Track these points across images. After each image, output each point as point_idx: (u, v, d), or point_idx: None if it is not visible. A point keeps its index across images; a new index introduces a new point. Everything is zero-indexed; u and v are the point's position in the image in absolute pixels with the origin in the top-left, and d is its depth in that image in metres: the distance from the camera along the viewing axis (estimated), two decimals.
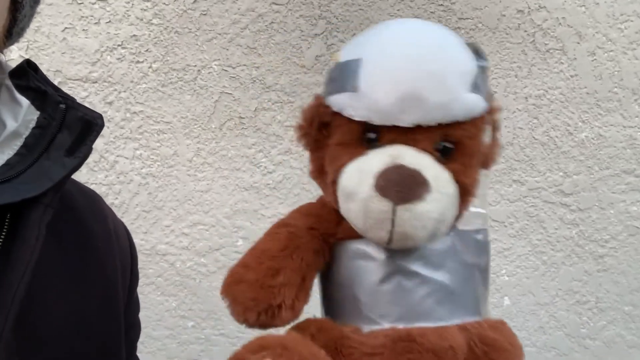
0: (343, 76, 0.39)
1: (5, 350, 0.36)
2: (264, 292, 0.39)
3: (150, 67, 1.00)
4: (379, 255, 0.39)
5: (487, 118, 0.40)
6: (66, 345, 0.41)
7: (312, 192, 1.05)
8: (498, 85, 1.08)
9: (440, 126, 0.37)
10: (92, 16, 0.98)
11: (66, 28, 0.98)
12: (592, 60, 1.09)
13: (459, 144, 0.39)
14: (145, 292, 0.99)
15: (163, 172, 1.00)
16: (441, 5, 1.07)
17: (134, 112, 1.00)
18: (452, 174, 0.38)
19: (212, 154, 1.02)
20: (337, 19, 1.05)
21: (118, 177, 0.99)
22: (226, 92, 1.02)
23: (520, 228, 1.10)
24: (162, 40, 1.00)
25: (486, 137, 0.41)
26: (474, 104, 0.38)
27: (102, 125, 0.43)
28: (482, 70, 0.39)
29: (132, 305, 0.52)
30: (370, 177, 0.37)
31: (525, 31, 1.08)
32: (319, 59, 1.05)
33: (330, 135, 0.41)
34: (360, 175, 0.38)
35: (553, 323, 1.11)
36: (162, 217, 1.00)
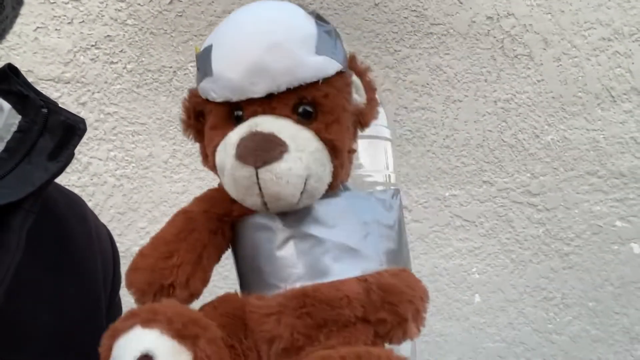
0: (201, 64, 0.42)
1: None
2: (156, 274, 0.41)
3: (124, 67, 0.99)
4: (274, 224, 0.42)
5: (347, 78, 0.42)
6: (48, 349, 0.41)
7: None
8: (469, 90, 1.11)
9: (294, 90, 0.39)
10: (65, 16, 0.97)
11: (38, 27, 0.96)
12: (558, 66, 1.13)
13: (317, 104, 0.40)
14: (120, 294, 0.98)
15: (138, 174, 1.00)
16: (414, 11, 1.09)
17: (108, 113, 0.99)
18: (315, 133, 0.40)
19: (188, 155, 1.01)
20: None
21: (92, 179, 0.98)
22: None
23: (490, 227, 1.13)
24: (137, 41, 0.99)
25: (359, 97, 0.43)
26: (321, 65, 0.40)
27: (84, 130, 0.43)
28: (328, 33, 0.41)
29: (114, 308, 0.51)
30: (232, 149, 0.39)
31: (495, 37, 1.11)
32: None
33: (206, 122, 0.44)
34: (225, 149, 0.40)
35: (521, 319, 1.14)
36: (137, 219, 1.00)
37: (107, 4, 0.98)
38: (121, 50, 0.99)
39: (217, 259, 0.45)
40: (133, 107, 0.99)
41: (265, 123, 0.39)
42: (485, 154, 1.12)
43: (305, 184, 0.39)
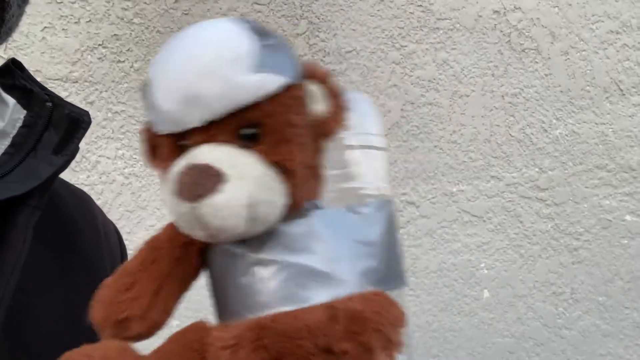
0: (145, 97, 0.41)
1: None
2: (113, 307, 0.40)
3: (131, 66, 1.00)
4: (238, 250, 0.40)
5: (297, 90, 0.39)
6: (56, 345, 0.41)
7: None
8: (476, 84, 1.11)
9: (234, 114, 0.38)
10: (72, 15, 0.97)
11: (45, 27, 0.97)
12: (566, 60, 1.12)
13: (261, 125, 0.38)
14: None
15: (146, 172, 1.00)
16: (420, 6, 1.09)
17: (116, 112, 0.99)
18: (261, 156, 0.38)
19: None
20: (318, 19, 1.06)
21: (100, 177, 0.99)
22: None
23: (499, 222, 1.12)
24: (143, 40, 1.00)
25: (318, 106, 0.41)
26: (259, 83, 0.38)
27: (88, 123, 0.42)
28: (270, 47, 0.38)
29: None
30: (170, 184, 0.37)
31: (502, 31, 1.11)
32: (301, 59, 1.06)
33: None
34: (166, 184, 0.38)
35: (530, 314, 1.14)
36: (146, 216, 1.00)
37: (113, 3, 0.98)
38: (128, 49, 0.99)
39: (183, 288, 0.43)
40: (140, 106, 1.00)
41: (203, 154, 0.37)
42: (493, 148, 1.12)
43: (251, 212, 0.37)
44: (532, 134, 1.12)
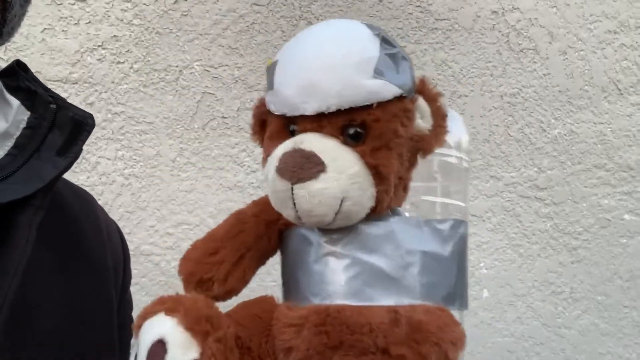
0: (267, 77, 0.44)
1: None
2: (199, 267, 0.44)
3: (131, 67, 1.00)
4: (316, 238, 0.43)
5: (407, 103, 0.42)
6: (60, 345, 0.41)
7: None
8: (474, 84, 1.11)
9: (344, 112, 0.40)
10: (71, 17, 0.98)
11: (45, 29, 0.97)
12: (564, 60, 1.13)
13: (367, 127, 0.41)
14: (130, 290, 0.99)
15: (146, 173, 1.00)
16: (419, 6, 1.09)
17: (116, 113, 1.00)
18: (360, 156, 0.41)
19: (195, 153, 1.02)
20: (317, 19, 1.07)
21: (100, 178, 0.99)
22: (208, 92, 1.02)
23: (498, 222, 1.13)
24: (143, 41, 1.00)
25: (423, 123, 0.43)
26: (375, 89, 0.40)
27: (92, 125, 0.43)
28: (392, 57, 0.41)
29: (125, 304, 0.52)
30: (275, 162, 0.41)
31: (500, 32, 1.11)
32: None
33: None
34: (270, 161, 0.42)
35: (530, 313, 1.14)
36: (146, 217, 1.00)
37: (113, 5, 0.99)
38: (127, 50, 0.99)
39: (260, 262, 0.47)
40: (140, 107, 1.00)
41: (310, 141, 0.40)
42: (492, 148, 1.12)
43: (340, 205, 0.40)
44: (530, 133, 1.13)
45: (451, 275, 0.43)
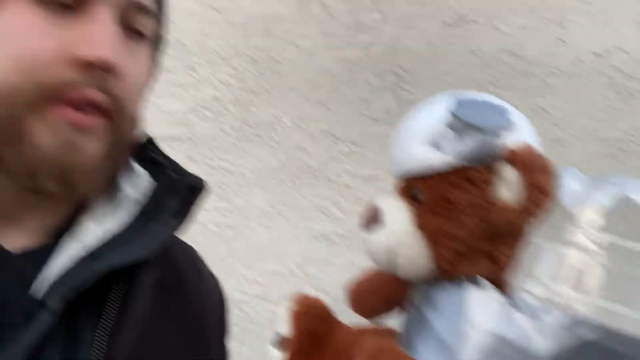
0: None
1: None
2: (360, 302, 0.58)
3: (228, 125, 1.07)
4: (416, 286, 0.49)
5: (469, 172, 0.43)
6: None
7: None
8: (577, 130, 1.03)
9: (409, 177, 0.46)
10: (180, 81, 1.09)
11: (157, 93, 1.09)
12: None
13: (425, 192, 0.45)
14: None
15: (239, 223, 1.05)
16: (512, 54, 1.06)
17: (214, 167, 1.07)
18: (416, 218, 0.45)
19: (284, 204, 1.05)
20: (406, 72, 1.08)
21: (197, 228, 1.05)
22: (298, 145, 1.06)
23: None
24: (240, 100, 1.07)
25: (508, 193, 0.41)
26: (426, 158, 0.44)
27: (204, 190, 0.46)
28: (455, 129, 0.43)
29: (223, 354, 0.53)
30: None
31: (604, 74, 1.04)
32: (388, 112, 1.07)
33: None
34: None
35: None
36: (237, 265, 1.04)
37: (216, 69, 1.08)
38: (226, 109, 1.07)
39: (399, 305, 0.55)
40: (235, 161, 1.06)
41: (383, 199, 0.48)
42: None
43: (393, 258, 0.45)
44: None
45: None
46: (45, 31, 0.36)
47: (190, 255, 0.52)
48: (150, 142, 0.47)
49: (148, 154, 0.46)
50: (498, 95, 1.08)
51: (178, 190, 0.44)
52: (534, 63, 1.06)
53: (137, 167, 0.45)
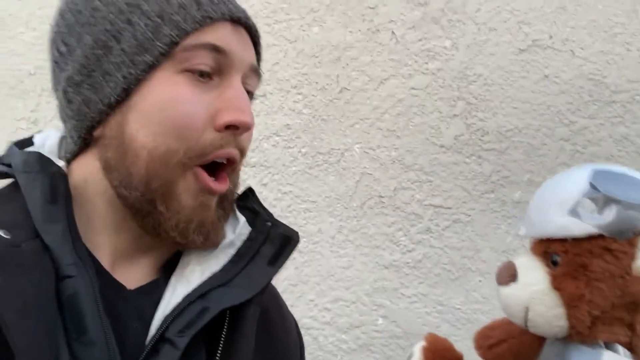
0: None
1: None
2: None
3: (299, 151, 1.10)
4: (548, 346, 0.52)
5: (610, 243, 0.45)
6: None
7: (452, 272, 1.02)
8: None
9: (546, 240, 0.48)
10: (253, 109, 1.12)
11: None
12: None
13: (562, 256, 0.48)
14: None
15: (308, 248, 1.07)
16: (591, 80, 1.02)
17: (284, 192, 1.09)
18: (551, 278, 0.48)
19: (353, 231, 1.06)
20: (476, 99, 1.06)
21: None
22: (367, 173, 1.07)
23: None
24: (310, 127, 1.10)
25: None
26: (565, 225, 0.46)
27: (297, 241, 0.50)
28: (594, 199, 0.45)
29: None
30: None
31: None
32: (458, 139, 1.06)
33: None
34: None
35: None
36: (307, 291, 1.05)
37: (287, 97, 1.12)
38: (297, 137, 1.10)
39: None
40: (305, 187, 1.09)
41: (519, 257, 0.51)
42: None
43: (526, 313, 0.48)
44: None
45: None
46: (196, 100, 0.42)
47: (271, 291, 0.54)
48: (250, 191, 0.52)
49: (249, 203, 0.50)
50: (577, 123, 1.05)
51: (272, 239, 0.48)
52: (615, 90, 1.01)
53: (238, 214, 0.50)
